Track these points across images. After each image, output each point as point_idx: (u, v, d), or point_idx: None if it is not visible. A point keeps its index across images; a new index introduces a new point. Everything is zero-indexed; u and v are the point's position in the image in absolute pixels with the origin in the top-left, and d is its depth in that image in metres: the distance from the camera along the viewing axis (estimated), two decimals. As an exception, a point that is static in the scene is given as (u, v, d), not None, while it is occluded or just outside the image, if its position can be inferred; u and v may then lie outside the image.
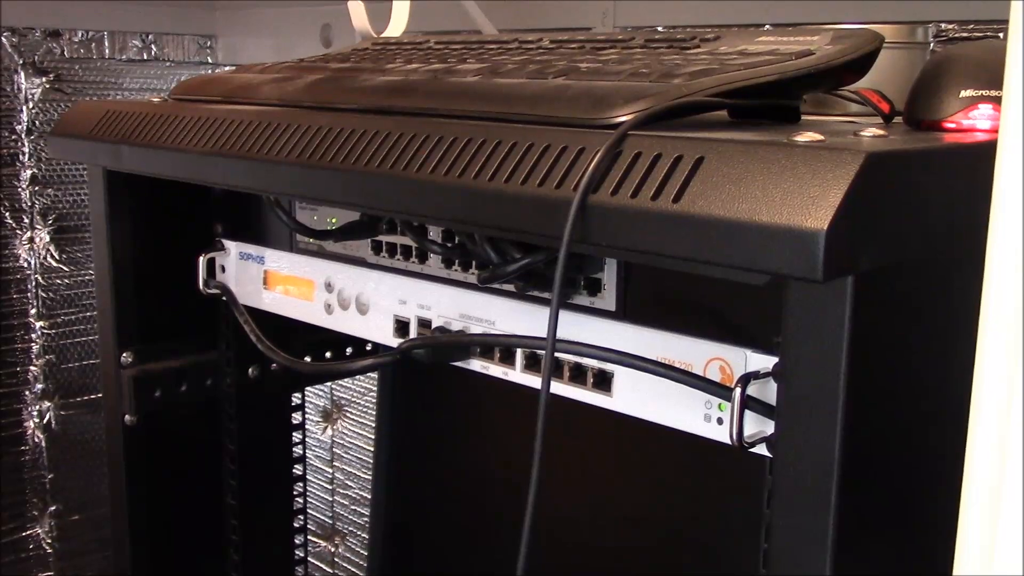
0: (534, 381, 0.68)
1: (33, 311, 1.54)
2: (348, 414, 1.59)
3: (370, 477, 1.40)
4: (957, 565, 0.42)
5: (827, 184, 0.42)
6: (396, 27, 1.07)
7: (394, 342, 0.77)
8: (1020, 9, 0.39)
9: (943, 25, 0.92)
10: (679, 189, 0.46)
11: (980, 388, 0.41)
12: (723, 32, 0.69)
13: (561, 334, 0.60)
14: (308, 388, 1.18)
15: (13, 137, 1.50)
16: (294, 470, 1.12)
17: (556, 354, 0.66)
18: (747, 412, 0.55)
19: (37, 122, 1.52)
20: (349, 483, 1.59)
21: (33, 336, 1.55)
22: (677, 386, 0.59)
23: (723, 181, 0.45)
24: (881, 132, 0.51)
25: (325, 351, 1.06)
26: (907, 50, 0.73)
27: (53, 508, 1.59)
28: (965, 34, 0.92)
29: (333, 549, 1.62)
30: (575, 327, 0.65)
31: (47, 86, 1.53)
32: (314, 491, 1.63)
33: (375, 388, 1.38)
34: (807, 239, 0.41)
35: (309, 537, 1.48)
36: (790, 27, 0.66)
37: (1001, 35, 0.89)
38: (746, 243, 0.43)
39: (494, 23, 1.10)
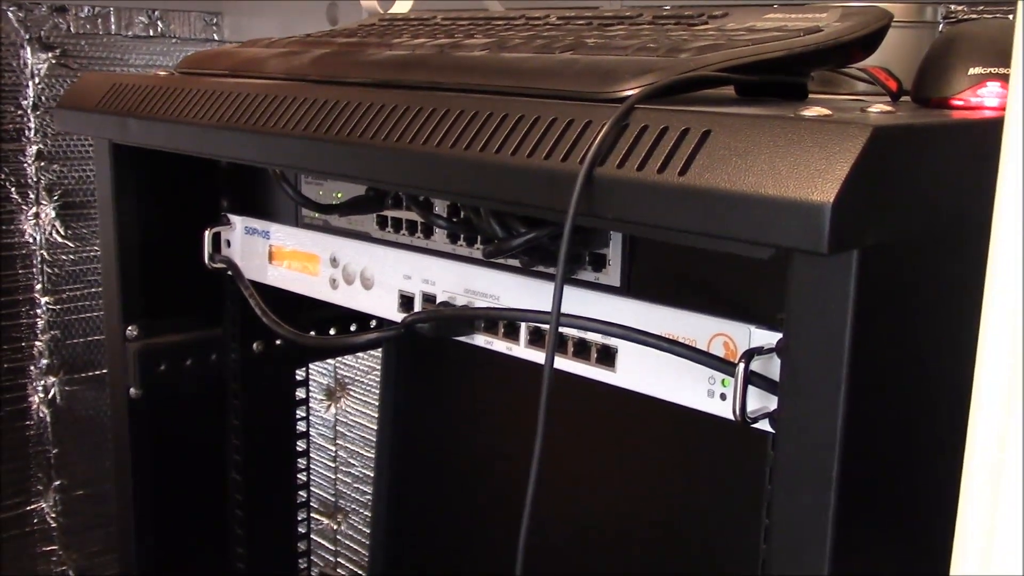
0: (538, 356, 0.69)
1: (38, 287, 1.55)
2: (351, 392, 1.59)
3: (373, 455, 1.40)
4: (958, 541, 0.42)
5: (834, 157, 0.42)
6: (403, 5, 1.07)
7: (398, 317, 0.77)
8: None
9: (952, 6, 0.92)
10: (685, 162, 0.46)
11: (982, 367, 0.41)
12: (731, 9, 0.69)
13: (566, 309, 0.61)
14: (312, 365, 1.18)
15: (19, 112, 1.50)
16: (297, 446, 1.12)
17: (560, 329, 0.66)
18: (750, 388, 0.55)
19: (43, 97, 1.52)
20: (352, 461, 1.60)
21: (38, 311, 1.55)
22: (681, 361, 0.60)
23: (729, 154, 0.45)
24: (888, 108, 0.51)
25: (329, 327, 1.06)
26: (915, 29, 0.72)
27: (57, 483, 1.60)
28: (974, 15, 0.92)
29: (336, 527, 1.63)
30: (580, 302, 0.66)
31: (53, 61, 1.52)
32: (317, 469, 1.63)
33: (379, 367, 1.38)
34: (813, 212, 0.41)
35: (312, 515, 1.49)
36: (799, 5, 0.66)
37: (1011, 16, 0.89)
38: (752, 216, 0.43)
39: (501, 2, 1.10)
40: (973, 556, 0.41)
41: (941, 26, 0.76)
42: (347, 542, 1.62)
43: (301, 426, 1.12)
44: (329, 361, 1.58)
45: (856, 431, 0.46)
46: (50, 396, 1.58)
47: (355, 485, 1.60)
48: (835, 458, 0.46)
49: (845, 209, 0.41)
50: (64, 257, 1.56)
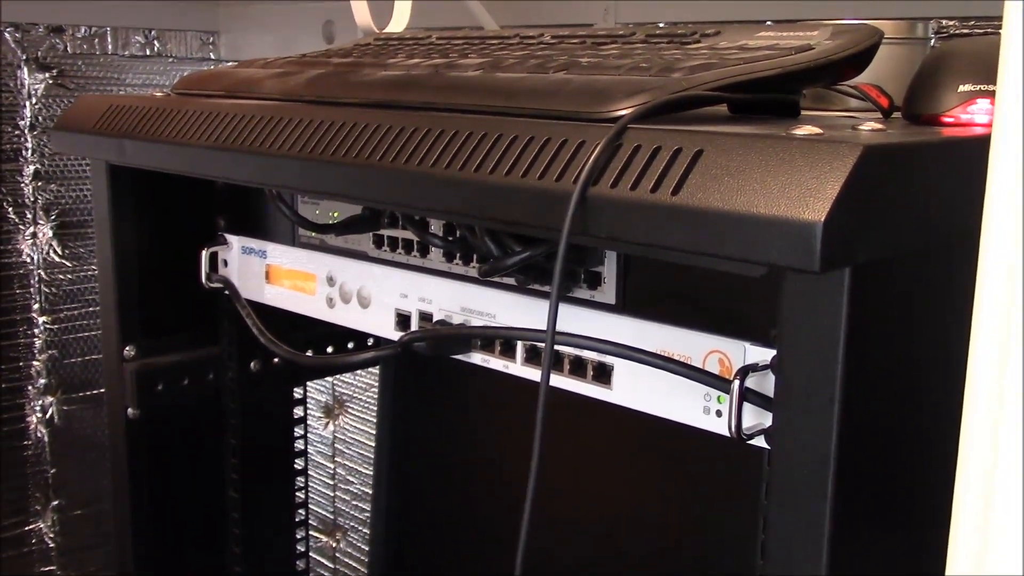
0: (534, 374, 0.69)
1: (36, 306, 1.55)
2: (350, 410, 1.59)
3: (372, 473, 1.40)
4: (952, 544, 0.42)
5: (824, 176, 0.42)
6: (398, 24, 1.08)
7: (395, 336, 0.77)
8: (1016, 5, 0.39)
9: (944, 22, 0.93)
10: (678, 182, 0.46)
11: (973, 381, 0.41)
12: (723, 28, 0.69)
13: (561, 327, 0.61)
14: (310, 383, 1.18)
15: (16, 133, 1.50)
16: (296, 464, 1.12)
17: (556, 347, 0.66)
18: (746, 404, 0.55)
19: (40, 118, 1.52)
20: (351, 479, 1.60)
21: (36, 331, 1.55)
22: (676, 378, 0.60)
23: (721, 174, 0.45)
24: (879, 126, 0.51)
25: (327, 345, 1.06)
26: (907, 46, 0.73)
27: (55, 503, 1.60)
28: (966, 31, 0.92)
29: (335, 544, 1.63)
30: (575, 320, 0.66)
31: (50, 82, 1.53)
32: (316, 486, 1.63)
33: (377, 384, 1.38)
34: (804, 231, 0.41)
35: (311, 532, 1.48)
36: (790, 23, 0.67)
37: (997, 33, 0.89)
38: (744, 235, 0.43)
39: (496, 21, 1.10)
40: (966, 558, 0.42)
41: (932, 42, 0.77)
42: (346, 559, 1.62)
43: (299, 444, 1.12)
44: (327, 379, 1.58)
45: (850, 446, 0.46)
46: (48, 416, 1.58)
47: (354, 502, 1.60)
48: (830, 473, 0.46)
49: (836, 227, 0.41)
50: (61, 276, 1.56)
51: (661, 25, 1.08)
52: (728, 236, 0.44)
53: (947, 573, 0.42)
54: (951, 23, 0.93)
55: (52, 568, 1.61)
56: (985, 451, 0.40)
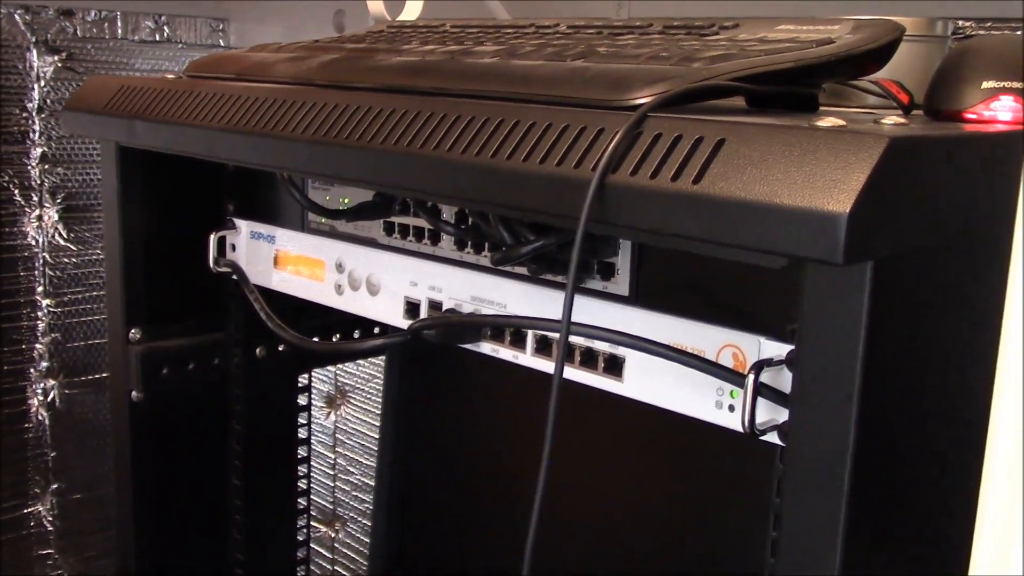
0: (544, 365, 0.68)
1: (40, 289, 1.54)
2: (352, 400, 1.59)
3: (373, 464, 1.40)
4: (976, 545, 0.42)
5: (850, 168, 0.42)
6: (410, 15, 1.07)
7: (404, 324, 0.77)
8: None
9: (960, 23, 0.92)
10: (699, 170, 0.46)
11: (1002, 380, 0.40)
12: (742, 20, 0.68)
13: (574, 318, 0.60)
14: (313, 373, 1.18)
15: (24, 115, 1.50)
16: (298, 452, 1.12)
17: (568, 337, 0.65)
18: (759, 399, 0.55)
19: (48, 100, 1.52)
20: (351, 469, 1.59)
21: (39, 314, 1.55)
22: (689, 372, 0.59)
23: (744, 163, 0.45)
24: (902, 120, 0.51)
25: (331, 334, 1.05)
26: (926, 43, 0.72)
27: (55, 486, 1.59)
28: (982, 31, 0.92)
29: (334, 535, 1.62)
30: (588, 311, 0.65)
31: (59, 65, 1.52)
32: (316, 476, 1.63)
33: (380, 375, 1.38)
34: (828, 222, 0.41)
35: (310, 522, 1.48)
36: (810, 18, 0.66)
37: (1020, 32, 0.89)
38: (766, 225, 0.43)
39: (508, 11, 1.10)
40: (990, 559, 0.41)
41: (949, 42, 0.76)
42: (344, 550, 1.61)
43: (302, 432, 1.11)
44: (330, 368, 1.58)
45: (868, 443, 0.45)
46: (49, 399, 1.57)
47: (353, 493, 1.59)
48: (846, 471, 0.45)
49: (861, 219, 0.41)
50: (66, 260, 1.56)
51: (676, 20, 1.07)
52: (750, 226, 0.43)
53: (970, 573, 0.42)
54: (967, 24, 0.92)
55: (50, 551, 1.61)
56: (1011, 450, 0.40)
